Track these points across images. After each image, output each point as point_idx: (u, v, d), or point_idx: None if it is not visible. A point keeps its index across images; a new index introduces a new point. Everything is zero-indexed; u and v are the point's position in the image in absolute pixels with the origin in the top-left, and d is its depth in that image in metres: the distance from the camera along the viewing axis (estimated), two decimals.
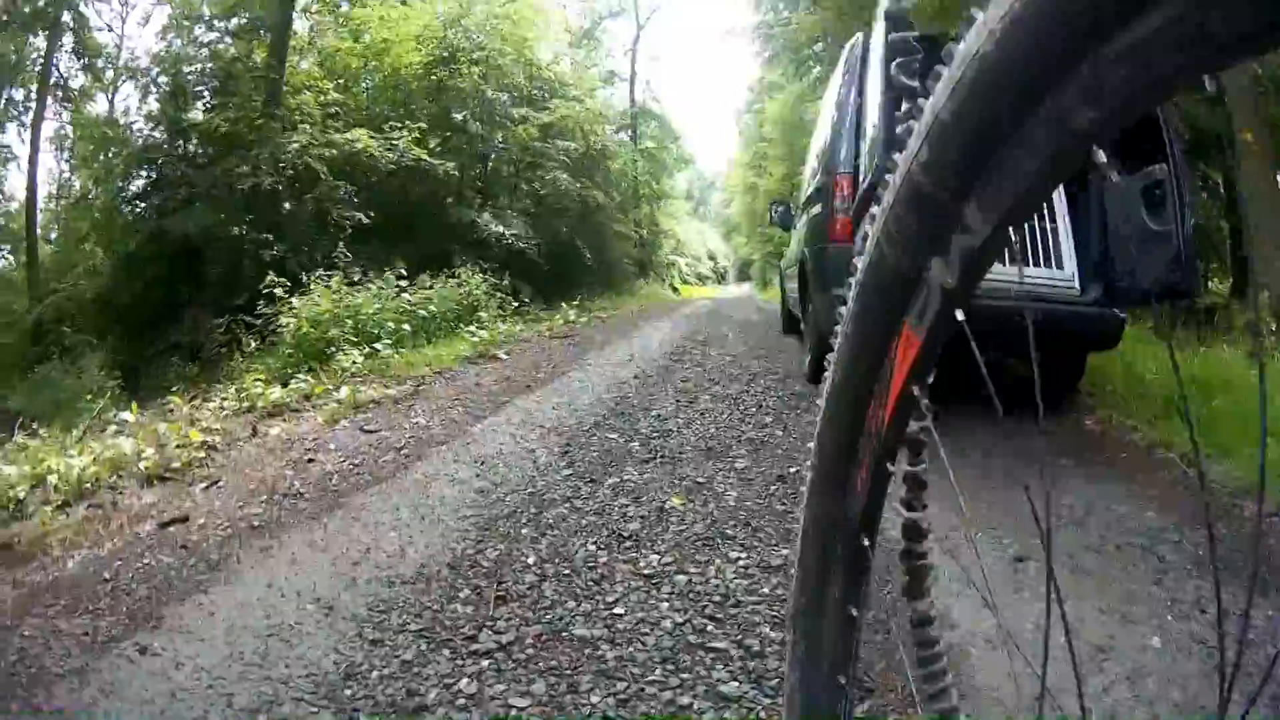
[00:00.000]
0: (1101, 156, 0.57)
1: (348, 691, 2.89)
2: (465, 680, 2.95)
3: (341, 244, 14.86)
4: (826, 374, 1.02)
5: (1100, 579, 3.71)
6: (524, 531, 4.41)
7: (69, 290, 21.04)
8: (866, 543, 1.04)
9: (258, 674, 3.02)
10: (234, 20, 22.64)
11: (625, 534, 4.35)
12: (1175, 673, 2.94)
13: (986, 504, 4.45)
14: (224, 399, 8.56)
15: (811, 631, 1.18)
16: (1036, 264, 6.07)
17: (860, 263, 0.89)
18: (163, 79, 20.76)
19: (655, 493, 5.01)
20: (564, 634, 3.29)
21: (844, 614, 1.11)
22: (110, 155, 22.12)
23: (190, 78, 20.56)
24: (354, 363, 10.04)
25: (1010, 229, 0.68)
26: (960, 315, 0.78)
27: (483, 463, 5.77)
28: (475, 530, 4.44)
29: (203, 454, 6.23)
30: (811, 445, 1.09)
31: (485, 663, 3.07)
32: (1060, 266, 6.11)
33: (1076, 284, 6.10)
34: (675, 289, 41.43)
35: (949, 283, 0.75)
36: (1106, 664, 2.98)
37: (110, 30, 31.47)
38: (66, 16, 26.83)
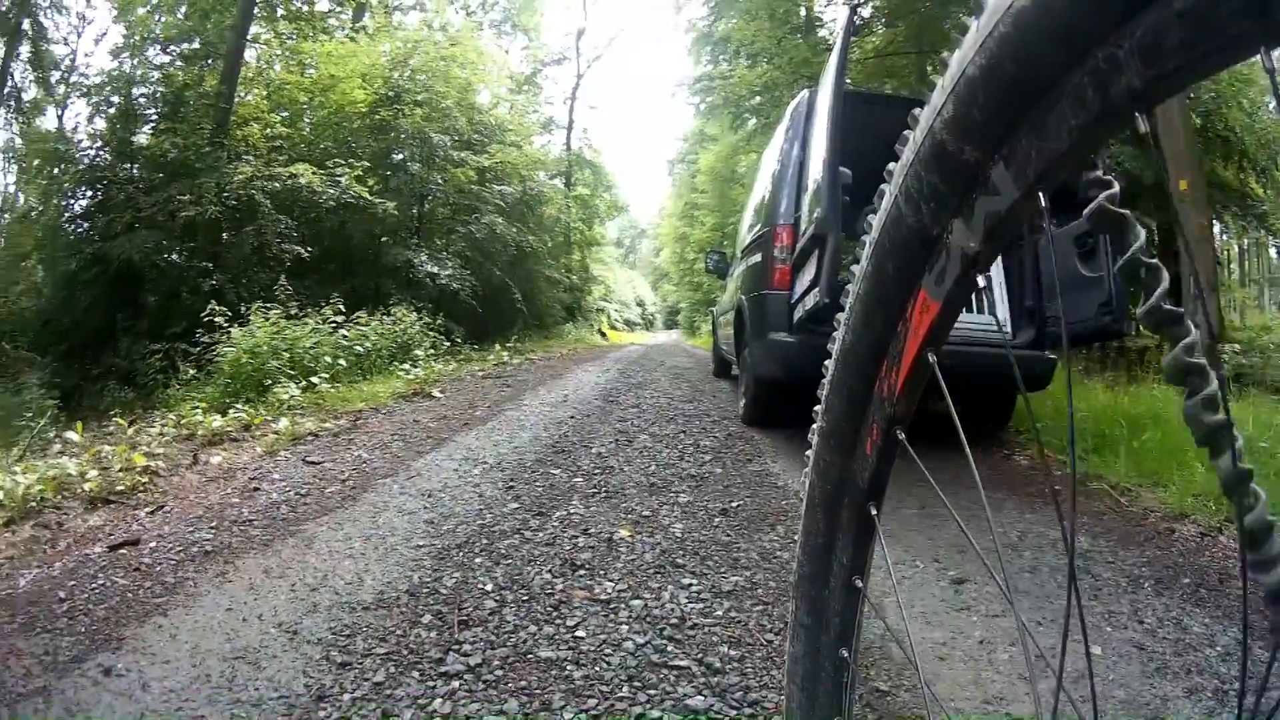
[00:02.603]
0: (1142, 124, 0.56)
1: (321, 713, 2.92)
2: (439, 700, 2.99)
3: (282, 278, 14.78)
4: (835, 336, 1.03)
5: (1038, 596, 3.93)
6: (479, 560, 4.45)
7: (8, 307, 20.71)
8: (874, 511, 1.05)
9: (228, 696, 3.04)
10: (186, 45, 22.53)
11: (578, 563, 4.41)
12: (1117, 675, 3.21)
13: (928, 537, 4.75)
14: (164, 425, 8.50)
15: (815, 601, 1.20)
16: (969, 309, 6.15)
17: (875, 220, 0.89)
18: (114, 99, 20.57)
19: (603, 525, 5.08)
20: (530, 655, 3.35)
21: (848, 584, 1.13)
22: (57, 172, 21.88)
23: (141, 100, 20.42)
24: (291, 395, 10.02)
25: (1041, 194, 0.67)
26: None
27: (429, 495, 5.80)
28: (430, 559, 4.48)
29: (145, 479, 6.19)
30: (818, 409, 1.09)
31: (456, 684, 3.11)
32: (993, 312, 6.43)
33: (1009, 328, 6.40)
34: (603, 334, 41.55)
35: (971, 247, 0.75)
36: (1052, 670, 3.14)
37: (66, 44, 31.16)
38: (26, 24, 26.48)
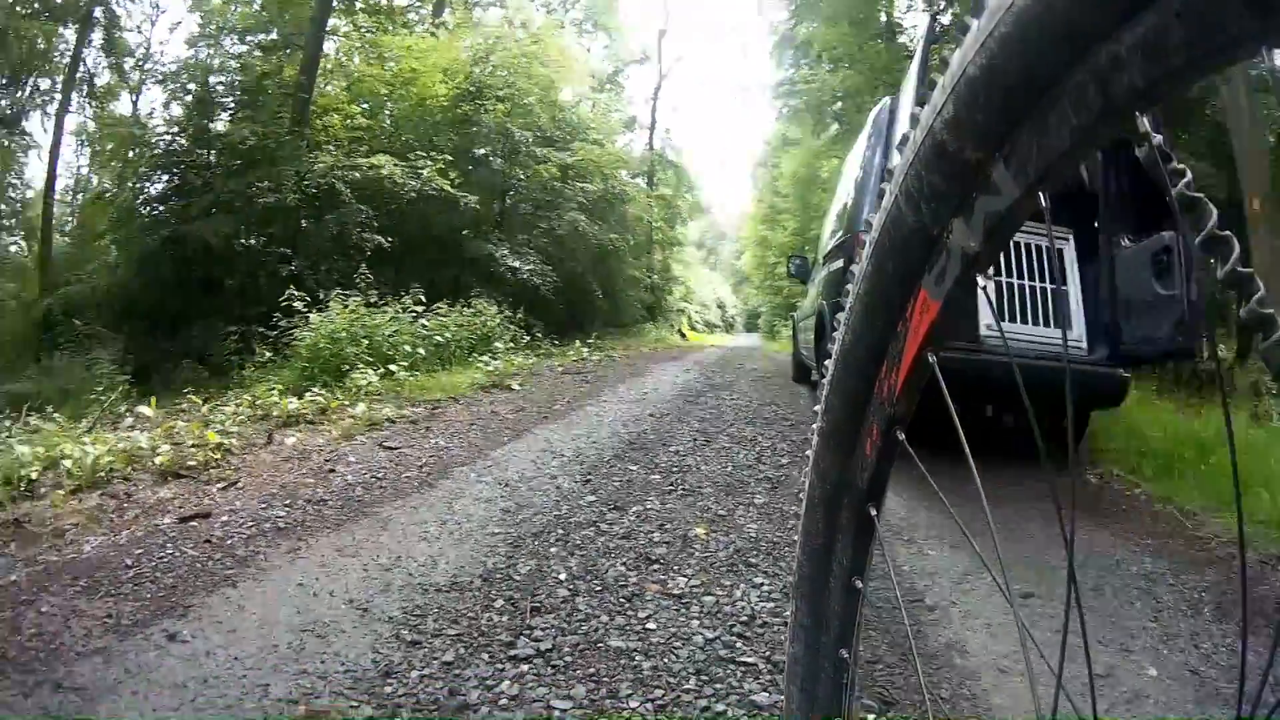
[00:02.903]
0: (1146, 124, 0.55)
1: (388, 689, 2.87)
2: (507, 682, 2.94)
3: (363, 266, 14.77)
4: (835, 334, 1.02)
5: (1100, 616, 3.83)
6: (553, 550, 4.40)
7: (82, 284, 21.01)
8: (873, 512, 1.04)
9: (294, 667, 3.00)
10: (263, 36, 22.77)
11: (653, 557, 4.35)
12: (1171, 698, 3.11)
13: (995, 556, 4.52)
14: (239, 405, 8.51)
15: (814, 602, 1.18)
16: (1047, 324, 6.19)
17: (876, 220, 0.87)
18: (191, 86, 20.82)
19: (679, 522, 4.99)
20: (600, 644, 3.29)
21: (848, 585, 1.12)
22: (132, 155, 22.15)
23: (218, 88, 20.65)
24: (369, 382, 9.99)
25: (1041, 194, 0.66)
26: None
27: (506, 484, 5.75)
28: (505, 546, 4.43)
29: (218, 456, 6.20)
30: (818, 409, 1.09)
31: (525, 667, 3.06)
32: (1070, 326, 6.22)
33: (1084, 344, 6.22)
34: (683, 335, 41.32)
35: (971, 246, 0.74)
36: (1108, 690, 3.10)
37: (139, 32, 31.64)
38: (98, 12, 26.88)
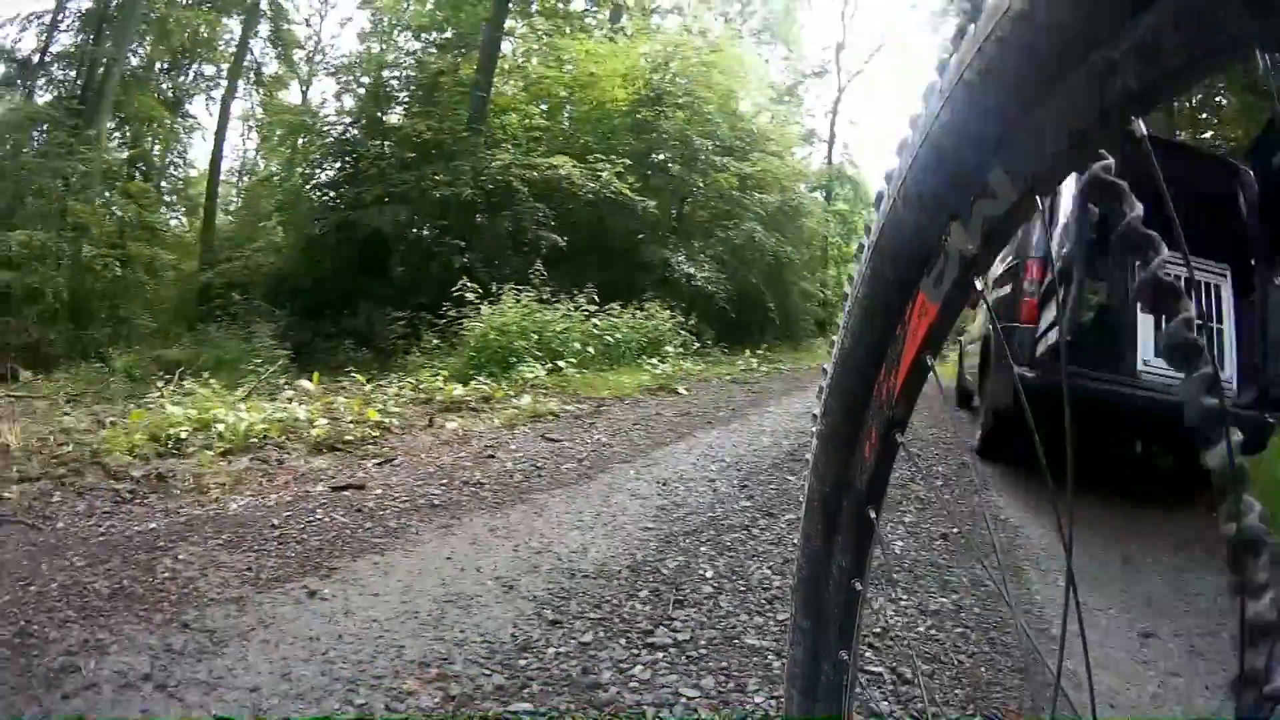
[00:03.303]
0: (1142, 128, 0.53)
1: (522, 661, 2.85)
2: (639, 667, 2.91)
3: (538, 263, 14.90)
4: (834, 338, 1.02)
5: (1213, 661, 3.65)
6: (703, 549, 4.31)
7: (244, 261, 21.64)
8: (873, 514, 1.02)
9: (431, 633, 3.00)
10: (438, 34, 23.22)
11: None
12: None
13: (1122, 587, 4.47)
14: (401, 387, 8.66)
15: (814, 604, 1.17)
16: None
17: (875, 223, 0.87)
18: (364, 79, 21.35)
19: None
20: (735, 641, 3.23)
21: (848, 586, 1.10)
22: (302, 142, 22.80)
23: (392, 82, 21.14)
24: (536, 375, 10.06)
25: (1038, 197, 0.64)
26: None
27: (664, 483, 5.70)
28: (656, 541, 4.36)
29: (376, 433, 6.31)
30: (817, 411, 1.06)
31: (659, 655, 3.03)
32: (1222, 366, 5.85)
33: (1234, 385, 5.98)
34: None
35: (969, 249, 0.72)
36: None
37: (308, 25, 32.68)
38: (264, 4, 27.77)
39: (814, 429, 1.07)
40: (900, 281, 0.83)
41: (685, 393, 11.42)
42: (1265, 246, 5.84)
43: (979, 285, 0.77)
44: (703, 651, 3.11)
